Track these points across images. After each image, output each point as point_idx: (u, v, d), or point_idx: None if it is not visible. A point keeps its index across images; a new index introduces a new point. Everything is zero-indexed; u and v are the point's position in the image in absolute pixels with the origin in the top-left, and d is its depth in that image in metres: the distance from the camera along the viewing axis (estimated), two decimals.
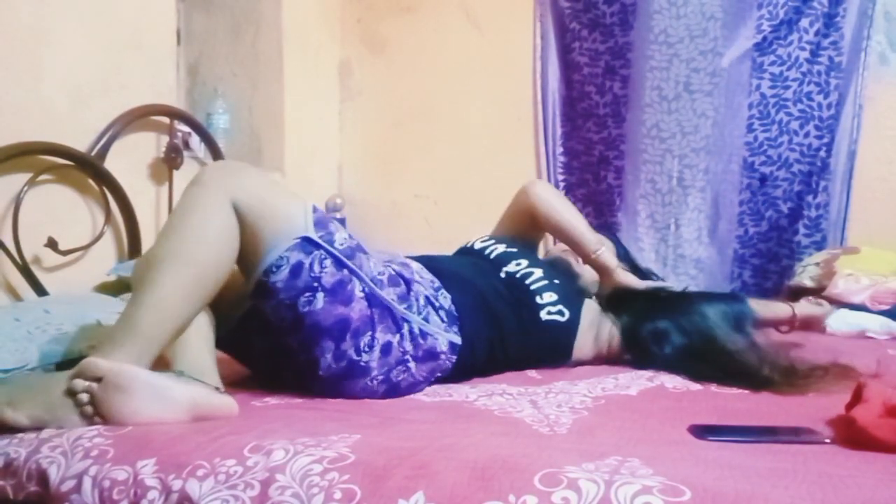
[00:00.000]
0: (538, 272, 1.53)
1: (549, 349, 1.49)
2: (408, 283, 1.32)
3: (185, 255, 1.12)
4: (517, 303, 1.48)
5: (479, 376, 1.40)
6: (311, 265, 1.18)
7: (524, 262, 1.56)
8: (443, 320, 1.33)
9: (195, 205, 1.15)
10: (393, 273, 1.31)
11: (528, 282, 1.51)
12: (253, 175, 1.21)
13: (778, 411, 1.14)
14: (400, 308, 1.27)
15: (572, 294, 1.57)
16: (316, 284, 1.18)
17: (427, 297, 1.33)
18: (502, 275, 1.53)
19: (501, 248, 1.62)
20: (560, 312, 1.49)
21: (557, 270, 1.62)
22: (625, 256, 1.80)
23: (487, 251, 1.63)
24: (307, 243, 1.18)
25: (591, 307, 1.56)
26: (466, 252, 1.68)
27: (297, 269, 1.17)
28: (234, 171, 1.20)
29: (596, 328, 1.53)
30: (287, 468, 0.85)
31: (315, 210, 1.23)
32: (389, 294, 1.26)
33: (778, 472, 0.80)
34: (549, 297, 1.50)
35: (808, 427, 0.99)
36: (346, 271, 1.21)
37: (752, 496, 0.73)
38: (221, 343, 1.27)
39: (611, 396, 1.24)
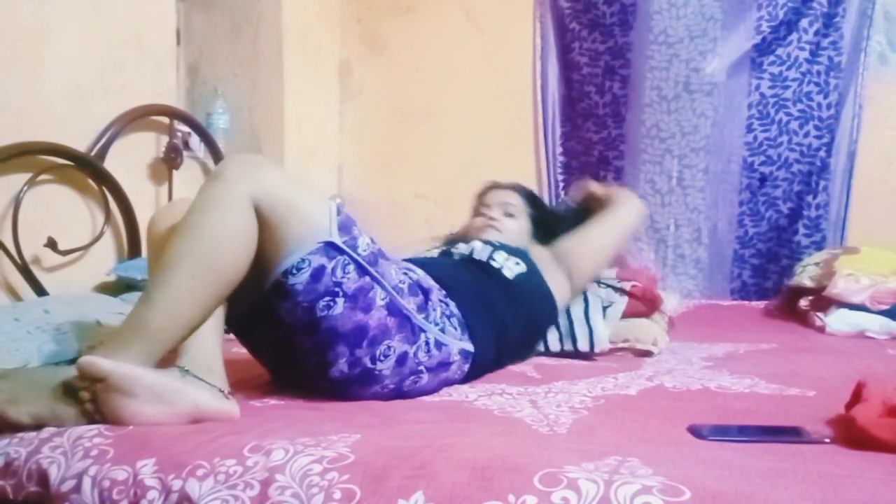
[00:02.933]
0: (478, 244, 1.61)
1: (536, 303, 1.54)
2: (426, 292, 1.30)
3: (201, 258, 1.09)
4: (482, 277, 1.50)
5: (489, 372, 1.41)
6: (333, 270, 1.15)
7: (462, 245, 1.63)
8: (455, 328, 1.33)
9: (215, 203, 1.11)
10: (412, 282, 1.29)
11: (475, 255, 1.57)
12: (275, 172, 1.16)
13: (778, 411, 1.14)
14: (419, 318, 1.25)
15: (517, 248, 1.63)
16: (337, 289, 1.15)
17: (441, 308, 1.32)
18: (456, 258, 1.59)
19: (439, 248, 1.70)
20: (517, 263, 1.55)
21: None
22: None
23: (450, 255, 1.66)
24: (330, 248, 1.15)
25: (536, 250, 1.63)
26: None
27: (318, 273, 1.14)
28: (255, 166, 1.15)
29: (555, 262, 1.61)
30: (287, 468, 0.85)
31: (339, 212, 1.19)
32: (409, 303, 1.24)
33: (778, 472, 0.80)
34: (500, 256, 1.56)
35: (808, 427, 0.99)
36: (368, 278, 1.18)
37: (752, 496, 0.73)
38: (230, 323, 1.24)
39: (610, 396, 1.24)
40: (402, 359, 1.22)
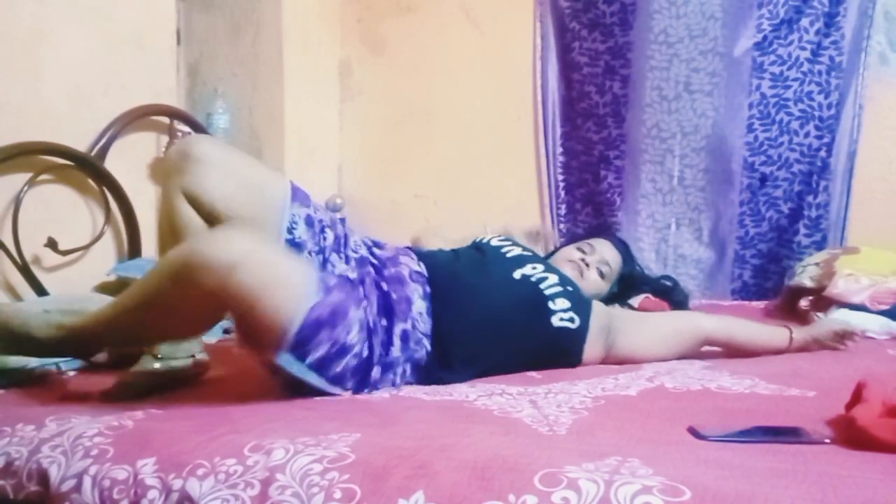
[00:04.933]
0: (553, 278, 1.53)
1: (559, 354, 1.50)
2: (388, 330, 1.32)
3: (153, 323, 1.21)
4: (528, 307, 1.47)
5: (485, 376, 1.41)
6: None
7: (540, 267, 1.55)
8: (412, 344, 1.36)
9: (182, 293, 1.13)
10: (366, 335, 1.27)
11: (542, 286, 1.50)
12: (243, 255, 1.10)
13: (778, 411, 1.14)
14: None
15: (583, 301, 1.56)
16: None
17: (405, 340, 1.35)
18: (517, 276, 1.52)
19: (518, 250, 1.62)
20: (571, 319, 1.49)
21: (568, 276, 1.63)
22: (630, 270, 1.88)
23: (504, 250, 1.61)
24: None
25: (598, 313, 1.56)
26: (481, 248, 1.64)
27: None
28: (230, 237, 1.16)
29: (605, 334, 1.54)
30: (287, 467, 0.85)
31: (296, 324, 1.15)
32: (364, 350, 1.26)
33: (778, 472, 0.80)
34: (562, 303, 1.49)
35: (809, 427, 0.99)
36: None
37: (752, 496, 0.73)
38: None
39: (611, 396, 1.24)
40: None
